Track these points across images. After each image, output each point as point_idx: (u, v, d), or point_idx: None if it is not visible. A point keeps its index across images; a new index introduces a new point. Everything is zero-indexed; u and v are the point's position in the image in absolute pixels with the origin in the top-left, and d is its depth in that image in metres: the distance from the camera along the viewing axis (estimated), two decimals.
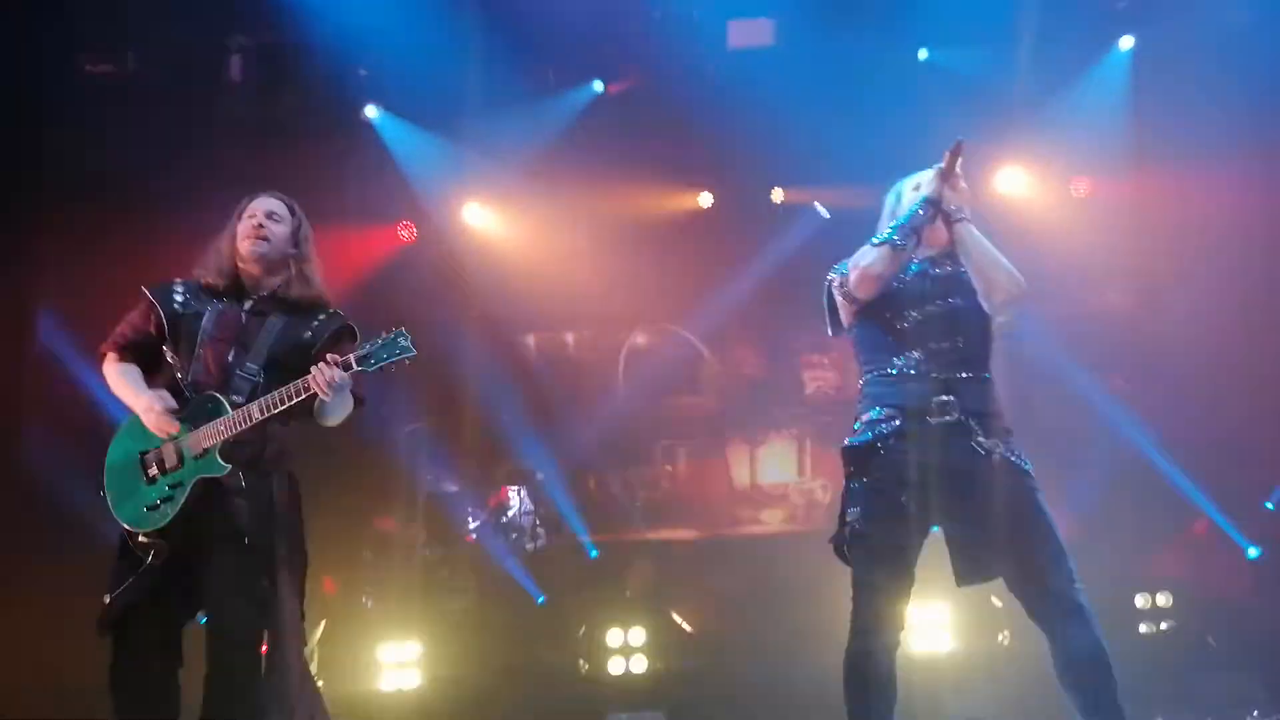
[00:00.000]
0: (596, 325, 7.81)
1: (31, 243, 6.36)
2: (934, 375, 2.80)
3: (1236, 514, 6.32)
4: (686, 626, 6.23)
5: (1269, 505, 6.33)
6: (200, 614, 3.05)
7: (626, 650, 5.78)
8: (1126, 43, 6.50)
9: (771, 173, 7.10)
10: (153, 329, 3.15)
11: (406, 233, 7.12)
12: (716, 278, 7.30)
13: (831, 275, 3.03)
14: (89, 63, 6.38)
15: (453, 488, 6.99)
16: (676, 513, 7.57)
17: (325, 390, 2.90)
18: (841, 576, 2.88)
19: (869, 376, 2.93)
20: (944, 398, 2.76)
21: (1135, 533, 6.35)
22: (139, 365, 3.17)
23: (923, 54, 6.58)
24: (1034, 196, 6.90)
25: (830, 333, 3.09)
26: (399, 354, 2.92)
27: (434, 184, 6.93)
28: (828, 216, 7.18)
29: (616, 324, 7.80)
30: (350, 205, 6.74)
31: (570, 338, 7.97)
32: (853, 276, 2.90)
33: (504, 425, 7.13)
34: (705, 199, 7.24)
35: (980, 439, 2.74)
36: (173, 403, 3.02)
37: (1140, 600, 5.86)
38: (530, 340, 7.83)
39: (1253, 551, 6.29)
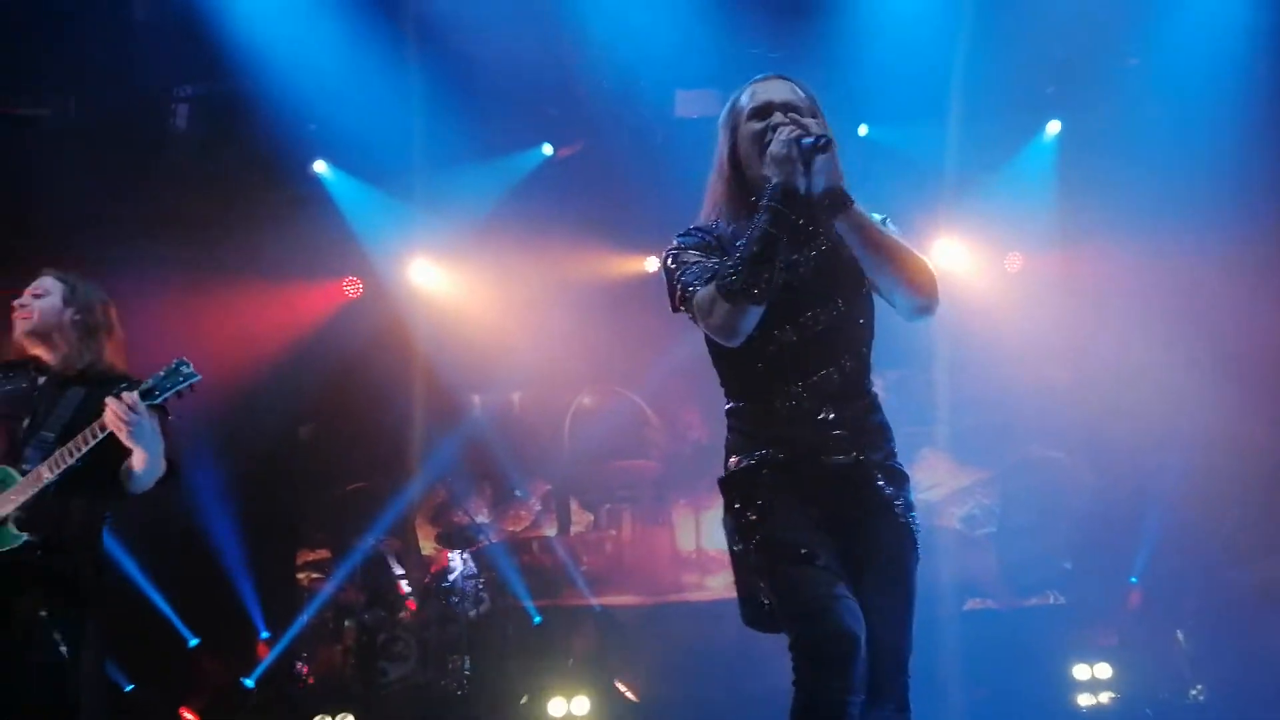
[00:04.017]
0: (543, 386, 7.73)
1: None
2: (819, 415, 2.28)
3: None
4: (631, 695, 6.10)
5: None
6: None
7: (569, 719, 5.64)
8: (1054, 127, 6.84)
9: None
10: None
11: (352, 289, 7.06)
12: (663, 341, 7.31)
13: (668, 254, 2.43)
14: (23, 105, 6.17)
15: (395, 549, 6.79)
16: (620, 578, 7.47)
17: (121, 425, 2.85)
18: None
19: (739, 407, 2.35)
20: (837, 433, 2.29)
21: (1073, 604, 6.46)
22: None
23: (863, 129, 6.79)
24: (971, 270, 7.14)
25: (672, 309, 2.42)
26: (182, 381, 2.98)
27: (381, 240, 6.86)
28: None
29: (563, 385, 7.74)
30: (297, 259, 6.65)
31: (516, 397, 7.89)
32: (704, 325, 2.28)
33: (449, 486, 6.98)
34: (652, 264, 7.28)
35: (880, 484, 2.32)
36: None
37: (1079, 671, 5.88)
38: (476, 400, 7.73)
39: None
